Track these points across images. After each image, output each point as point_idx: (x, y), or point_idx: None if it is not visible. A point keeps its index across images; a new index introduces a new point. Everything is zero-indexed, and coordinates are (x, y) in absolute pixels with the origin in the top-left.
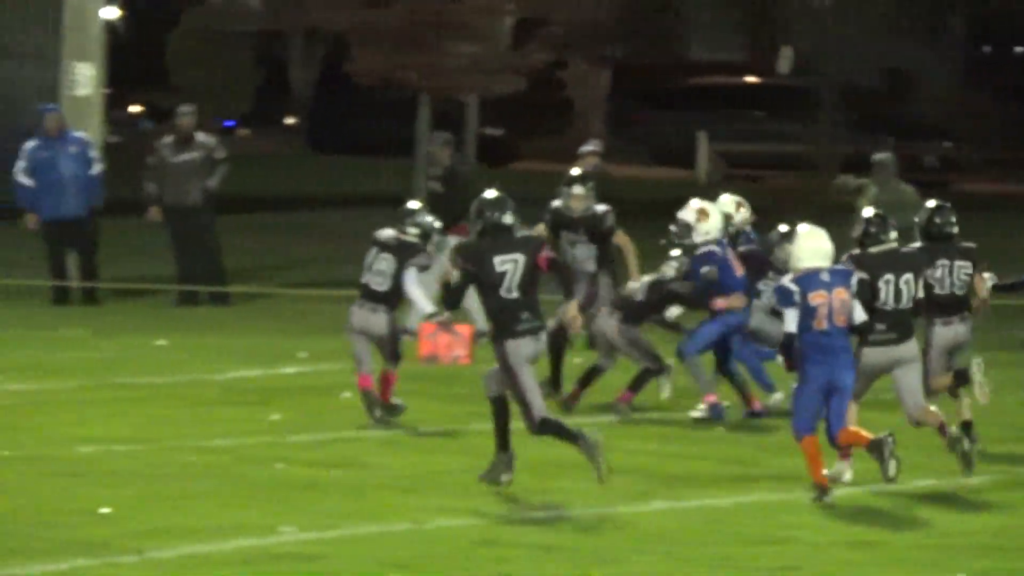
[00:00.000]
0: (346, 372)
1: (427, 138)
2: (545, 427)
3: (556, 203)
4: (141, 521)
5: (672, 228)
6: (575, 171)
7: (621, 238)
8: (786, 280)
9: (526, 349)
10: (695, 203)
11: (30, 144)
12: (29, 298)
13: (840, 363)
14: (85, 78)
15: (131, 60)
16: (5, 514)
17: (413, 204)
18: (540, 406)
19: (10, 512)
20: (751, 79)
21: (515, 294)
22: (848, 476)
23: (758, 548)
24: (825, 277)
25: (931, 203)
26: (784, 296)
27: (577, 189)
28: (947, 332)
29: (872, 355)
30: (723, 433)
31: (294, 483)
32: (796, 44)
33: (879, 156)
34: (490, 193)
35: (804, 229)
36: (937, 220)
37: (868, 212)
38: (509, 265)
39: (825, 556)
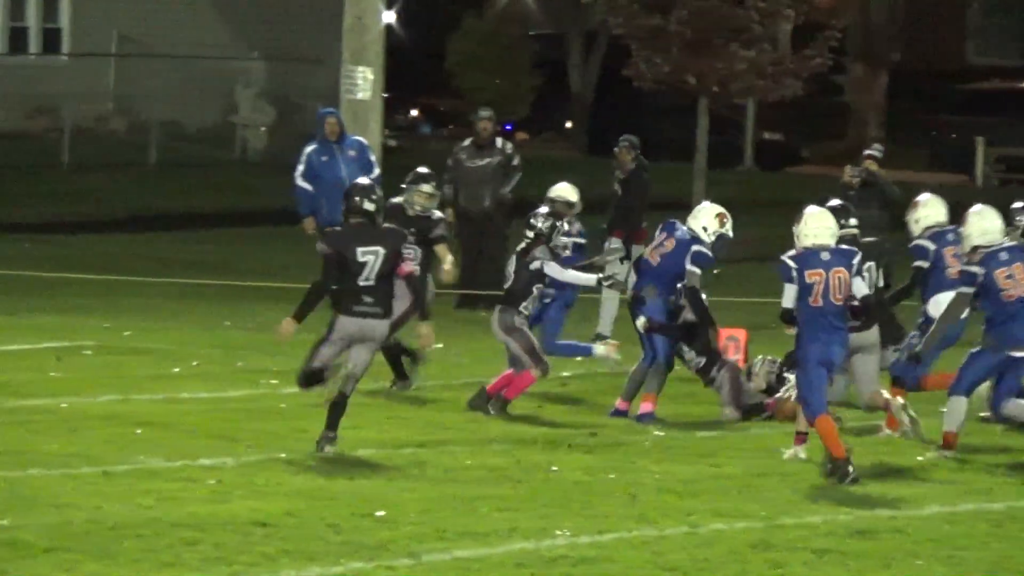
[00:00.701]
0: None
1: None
2: (307, 380)
3: (397, 199)
4: (417, 524)
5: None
6: (422, 169)
7: (442, 251)
8: (786, 256)
9: (350, 327)
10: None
11: (309, 148)
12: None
13: (833, 340)
14: (364, 82)
15: (410, 64)
16: (282, 516)
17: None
18: (313, 367)
19: (287, 514)
20: None
21: (371, 282)
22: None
23: None
24: (824, 256)
25: None
26: (784, 272)
27: (425, 187)
28: None
29: None
30: (993, 436)
31: (569, 487)
32: None
33: None
34: (363, 180)
35: (811, 210)
36: None
37: (832, 203)
38: (370, 257)
39: None
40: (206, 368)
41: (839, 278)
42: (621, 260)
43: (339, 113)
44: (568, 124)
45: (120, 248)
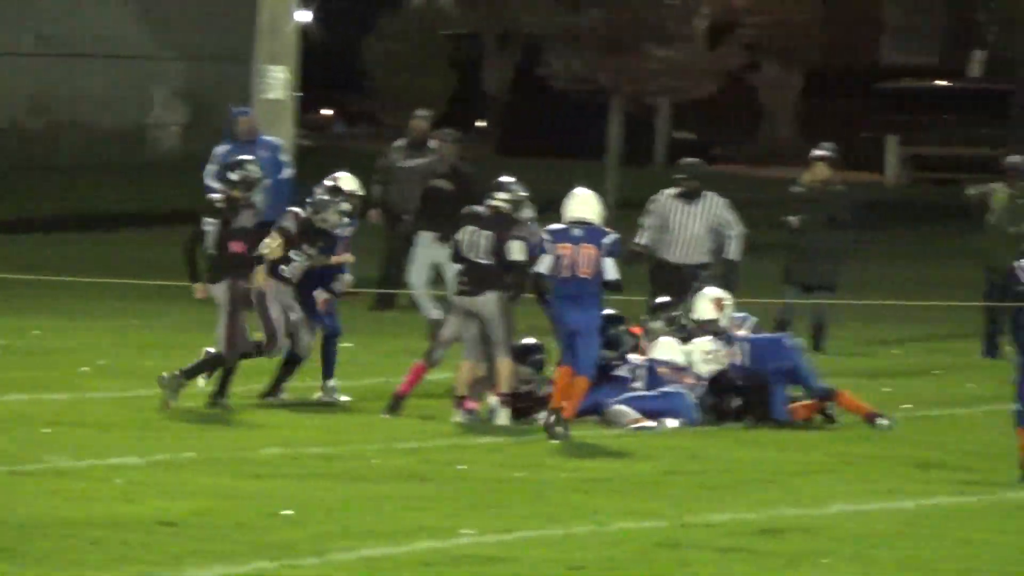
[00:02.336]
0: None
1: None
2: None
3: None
4: (323, 523)
5: None
6: (345, 184)
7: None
8: (544, 231)
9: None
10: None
11: (221, 148)
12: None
13: (582, 306)
14: (278, 81)
15: (324, 63)
16: (189, 516)
17: None
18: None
19: (194, 514)
20: (941, 82)
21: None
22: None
23: (941, 551)
24: (577, 232)
25: None
26: (543, 245)
27: (344, 205)
28: None
29: None
30: (902, 434)
31: (476, 485)
32: (989, 47)
33: (1013, 159)
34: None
35: (579, 192)
36: None
37: None
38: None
39: (1009, 560)
40: (115, 367)
41: (587, 254)
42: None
43: (252, 112)
44: (482, 123)
45: (30, 248)
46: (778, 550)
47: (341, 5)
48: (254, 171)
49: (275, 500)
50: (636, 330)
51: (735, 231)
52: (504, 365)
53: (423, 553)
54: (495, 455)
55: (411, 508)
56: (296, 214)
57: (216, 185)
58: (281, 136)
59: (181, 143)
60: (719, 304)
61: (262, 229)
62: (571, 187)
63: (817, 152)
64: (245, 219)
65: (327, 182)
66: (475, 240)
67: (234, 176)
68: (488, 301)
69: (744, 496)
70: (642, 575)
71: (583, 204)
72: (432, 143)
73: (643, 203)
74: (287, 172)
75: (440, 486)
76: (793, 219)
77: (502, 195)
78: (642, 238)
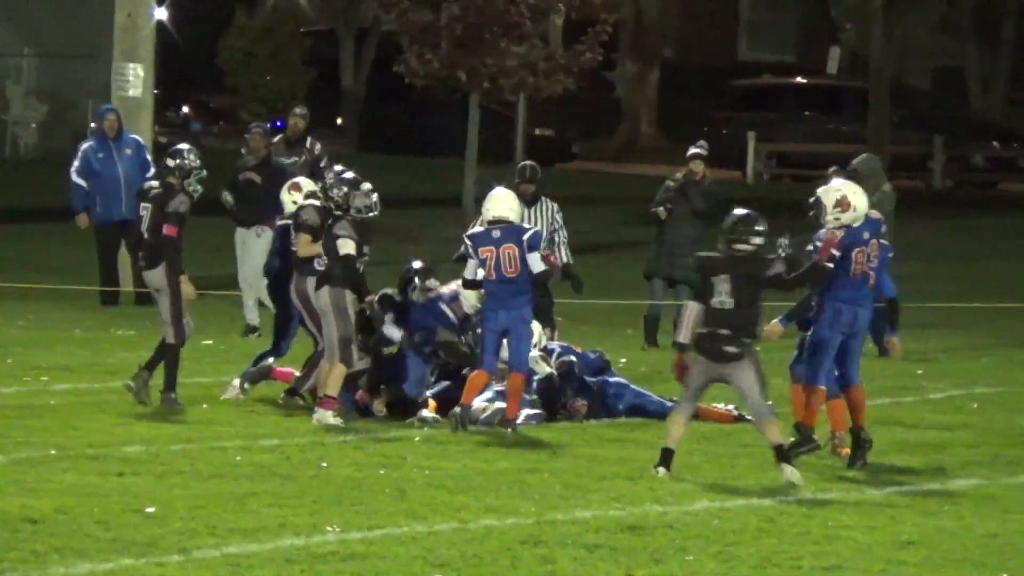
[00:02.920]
0: None
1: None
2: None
3: None
4: (187, 520)
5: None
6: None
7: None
8: (465, 236)
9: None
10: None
11: (86, 144)
12: (80, 300)
13: (511, 306)
14: (136, 79)
15: (182, 61)
16: (52, 513)
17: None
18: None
19: (58, 511)
20: (800, 79)
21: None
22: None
23: (803, 547)
24: (496, 234)
25: None
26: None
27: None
28: None
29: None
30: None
31: (339, 483)
32: (846, 44)
33: (861, 156)
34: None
35: (497, 191)
36: None
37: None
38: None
39: (870, 555)
40: None
41: (508, 254)
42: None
43: (118, 110)
44: (339, 120)
45: None
46: (643, 547)
47: (198, 4)
48: (191, 160)
49: (138, 497)
50: None
51: (564, 235)
52: (336, 368)
53: (287, 550)
54: (357, 453)
55: (274, 505)
56: (315, 208)
57: (79, 181)
58: (139, 133)
59: (39, 140)
60: None
61: (130, 226)
62: (430, 185)
63: (693, 150)
64: (179, 204)
65: (344, 174)
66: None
67: (171, 163)
68: (320, 296)
69: (608, 493)
70: (507, 573)
71: (501, 203)
72: (308, 141)
73: None
74: (151, 171)
75: (303, 483)
76: (660, 209)
77: (333, 191)
78: None
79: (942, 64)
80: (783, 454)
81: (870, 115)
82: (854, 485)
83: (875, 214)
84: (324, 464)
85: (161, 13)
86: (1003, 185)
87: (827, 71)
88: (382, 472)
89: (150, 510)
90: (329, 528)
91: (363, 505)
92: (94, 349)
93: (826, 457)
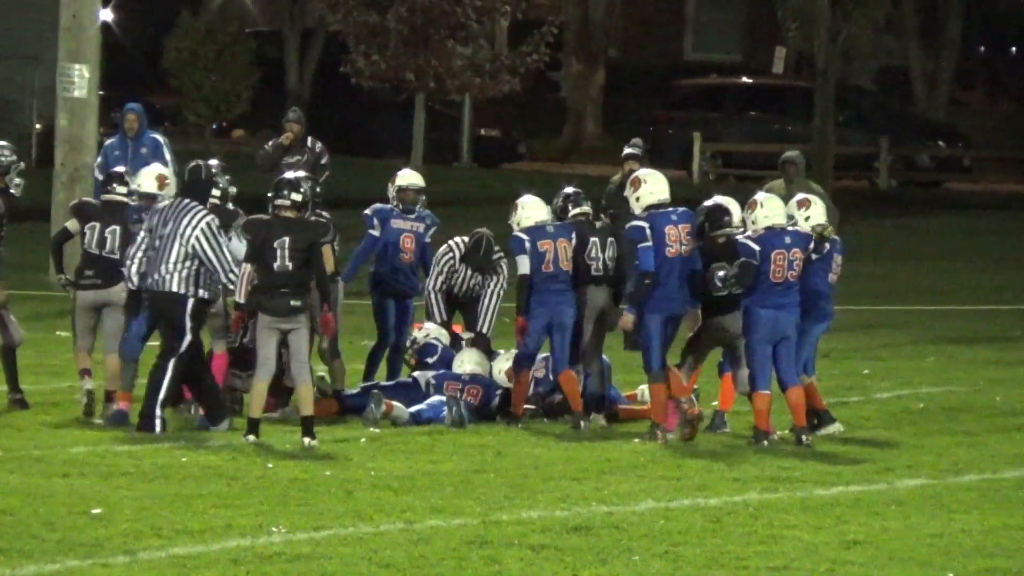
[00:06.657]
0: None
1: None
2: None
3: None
4: (133, 521)
5: None
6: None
7: None
8: (521, 232)
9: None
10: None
11: (108, 141)
12: (24, 302)
13: (563, 302)
14: (81, 79)
15: (127, 62)
16: None
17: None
18: None
19: (2, 512)
20: (746, 79)
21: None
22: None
23: (750, 547)
24: (550, 229)
25: None
26: (516, 244)
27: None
28: None
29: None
30: (710, 435)
31: (284, 484)
32: (791, 44)
33: (788, 154)
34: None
35: (527, 199)
36: None
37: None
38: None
39: (816, 555)
40: None
41: (563, 248)
42: None
43: (140, 109)
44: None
45: None
46: (588, 547)
47: (142, 5)
48: (6, 155)
49: (84, 499)
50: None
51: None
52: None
53: (233, 551)
54: (303, 454)
55: (220, 506)
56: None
57: (99, 176)
58: (84, 135)
59: None
60: None
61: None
62: (375, 185)
63: (628, 150)
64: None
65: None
66: None
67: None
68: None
69: (554, 493)
70: (453, 574)
71: (538, 208)
72: (308, 141)
73: (450, 201)
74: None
75: (249, 484)
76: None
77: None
78: None
79: (887, 64)
80: None
81: (815, 115)
82: (800, 485)
83: (804, 228)
84: (270, 465)
85: (106, 14)
86: (948, 185)
87: (773, 71)
88: (328, 473)
89: (96, 511)
90: (275, 529)
91: (309, 506)
92: (38, 350)
93: (773, 455)
